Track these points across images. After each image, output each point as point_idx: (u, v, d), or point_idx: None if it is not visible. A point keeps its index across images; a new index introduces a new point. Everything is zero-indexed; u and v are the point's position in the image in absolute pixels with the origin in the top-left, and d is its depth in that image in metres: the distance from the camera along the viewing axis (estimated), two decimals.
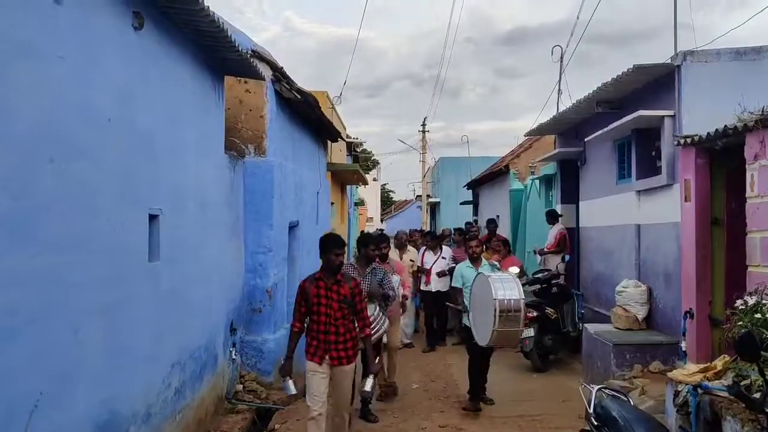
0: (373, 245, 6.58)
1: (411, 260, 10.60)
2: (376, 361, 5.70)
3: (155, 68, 4.91)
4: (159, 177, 4.99)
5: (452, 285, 7.50)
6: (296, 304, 5.17)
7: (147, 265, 4.76)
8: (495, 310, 6.21)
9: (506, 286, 6.37)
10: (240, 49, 6.08)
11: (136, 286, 4.55)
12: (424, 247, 11.09)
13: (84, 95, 3.81)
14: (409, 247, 11.07)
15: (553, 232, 11.26)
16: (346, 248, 5.31)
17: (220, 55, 6.17)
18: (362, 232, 8.13)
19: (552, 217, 11.47)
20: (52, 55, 3.49)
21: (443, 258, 10.75)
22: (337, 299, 5.04)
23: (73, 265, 3.68)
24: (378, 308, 6.33)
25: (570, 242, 11.11)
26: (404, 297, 7.76)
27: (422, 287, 10.82)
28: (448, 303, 10.68)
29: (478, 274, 6.78)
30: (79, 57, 3.75)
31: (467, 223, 14.81)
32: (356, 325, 5.21)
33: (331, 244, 5.11)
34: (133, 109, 4.50)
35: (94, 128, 3.93)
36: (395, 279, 7.09)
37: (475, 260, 7.15)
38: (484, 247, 10.23)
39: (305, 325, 5.19)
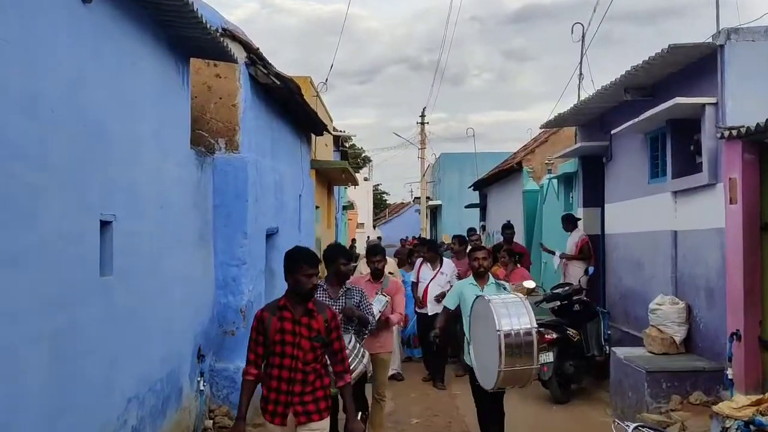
0: (344, 259, 6.13)
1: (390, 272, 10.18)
2: (359, 416, 4.90)
3: (109, 48, 4.82)
4: (112, 177, 4.90)
5: (444, 305, 6.80)
6: (251, 342, 4.48)
7: (98, 281, 4.66)
8: (500, 345, 5.55)
9: (513, 311, 5.71)
10: (208, 26, 6.00)
11: (85, 306, 4.45)
12: (420, 260, 10.62)
13: (22, 81, 3.71)
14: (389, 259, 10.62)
15: (574, 239, 11.23)
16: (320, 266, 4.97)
17: (185, 34, 6.09)
18: (332, 243, 7.66)
19: (570, 223, 11.42)
20: None
21: (442, 274, 10.14)
22: (308, 336, 4.39)
23: (11, 284, 3.57)
24: (354, 338, 5.83)
25: (594, 252, 11.07)
26: (384, 320, 6.79)
27: (417, 309, 10.39)
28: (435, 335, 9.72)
29: (478, 297, 6.07)
30: (18, 35, 3.65)
31: (470, 230, 14.64)
32: (331, 369, 4.60)
33: (300, 260, 4.46)
34: (82, 97, 4.40)
35: (35, 120, 3.83)
36: (380, 300, 6.66)
37: (481, 276, 6.49)
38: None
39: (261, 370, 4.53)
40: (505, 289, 6.46)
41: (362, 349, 5.86)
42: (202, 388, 7.15)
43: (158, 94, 5.98)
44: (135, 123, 5.38)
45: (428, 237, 25.63)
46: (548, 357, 8.60)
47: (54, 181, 4.04)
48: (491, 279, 6.60)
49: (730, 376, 6.34)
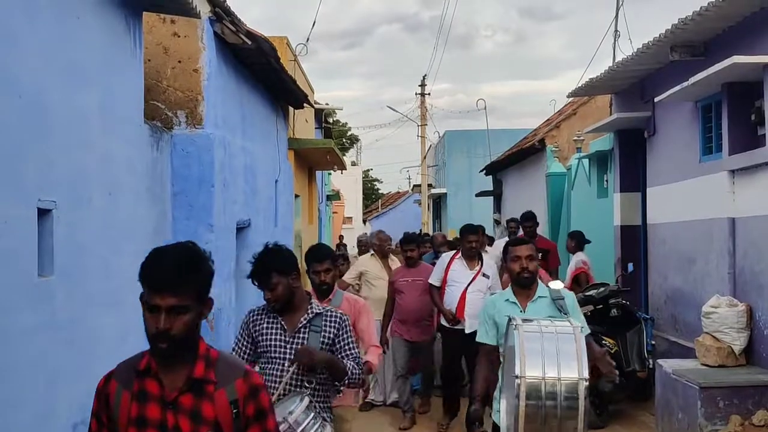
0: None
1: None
2: None
3: (44, 0, 4.81)
4: (51, 157, 4.89)
5: (478, 340, 5.41)
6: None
7: (36, 282, 4.65)
8: (518, 403, 4.45)
9: (553, 349, 4.50)
10: None
11: (20, 313, 4.44)
12: (450, 254, 9.07)
13: None
14: (393, 257, 10.58)
15: (571, 264, 11.11)
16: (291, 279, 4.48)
17: None
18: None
19: (576, 242, 11.24)
20: None
21: (484, 276, 8.71)
22: None
23: None
24: (308, 405, 4.35)
25: (634, 245, 11.11)
26: (367, 368, 5.62)
27: (444, 322, 8.89)
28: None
29: (509, 321, 4.79)
30: None
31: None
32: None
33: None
34: (13, 60, 4.39)
35: None
36: None
37: (523, 285, 5.23)
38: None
39: None
40: (562, 310, 5.06)
41: (323, 428, 4.40)
42: None
43: (105, 58, 5.95)
44: (78, 93, 5.37)
45: (431, 232, 25.59)
46: None
47: None
48: (543, 290, 5.26)
49: None
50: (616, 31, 13.73)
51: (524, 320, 4.69)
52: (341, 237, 34.39)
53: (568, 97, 13.79)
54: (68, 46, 5.22)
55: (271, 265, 4.50)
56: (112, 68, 6.12)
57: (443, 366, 9.39)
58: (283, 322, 4.57)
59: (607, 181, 13.50)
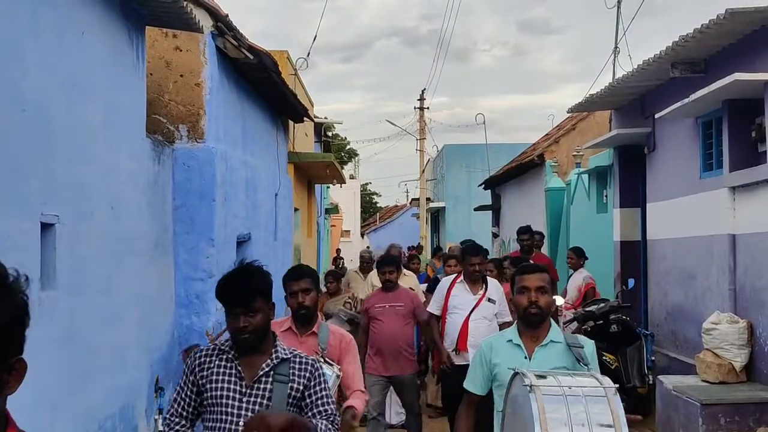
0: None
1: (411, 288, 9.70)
2: None
3: (49, 14, 4.83)
4: (54, 170, 4.90)
5: (465, 387, 4.39)
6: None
7: (39, 295, 4.64)
8: None
9: (582, 415, 3.48)
10: None
11: None
12: (451, 277, 8.15)
13: None
14: (406, 272, 10.37)
15: (576, 280, 11.03)
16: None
17: None
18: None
19: (577, 257, 11.21)
20: None
21: (490, 301, 7.76)
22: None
23: None
24: None
25: (634, 262, 11.11)
26: (351, 413, 4.88)
27: (444, 361, 7.85)
28: None
29: (515, 374, 3.77)
30: None
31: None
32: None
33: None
34: (17, 74, 4.40)
35: None
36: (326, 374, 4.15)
37: (531, 324, 4.17)
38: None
39: None
40: (582, 361, 3.97)
41: None
42: (161, 428, 7.13)
43: (108, 72, 5.98)
44: (81, 107, 5.38)
45: (431, 246, 25.61)
46: None
47: None
48: (557, 332, 4.23)
49: None
50: (615, 47, 13.76)
51: (538, 376, 3.62)
52: (338, 250, 34.37)
53: (569, 112, 13.82)
54: (71, 61, 5.23)
55: (256, 286, 3.56)
56: (114, 82, 6.13)
57: (443, 399, 8.53)
58: (240, 368, 3.55)
59: (606, 196, 13.51)
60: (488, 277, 8.06)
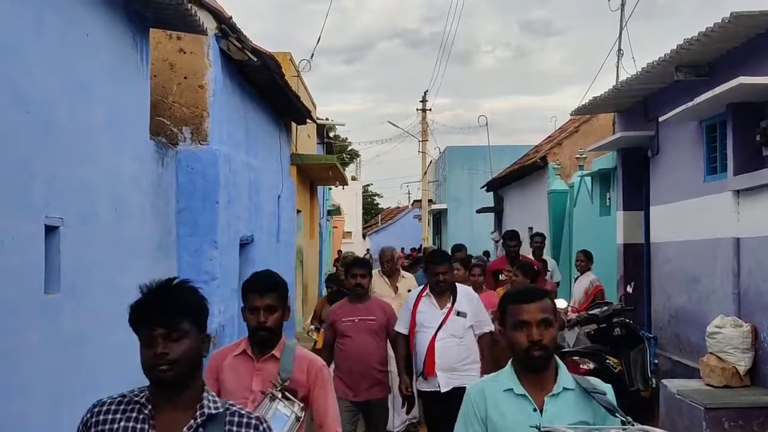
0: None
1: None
2: None
3: (53, 17, 4.82)
4: (58, 172, 4.89)
5: None
6: None
7: (42, 299, 4.64)
8: None
9: None
10: None
11: (26, 331, 4.42)
12: (418, 291, 7.01)
13: None
14: (405, 274, 9.73)
15: (583, 283, 11.01)
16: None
17: None
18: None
19: (587, 259, 11.18)
20: None
21: (459, 315, 6.69)
22: None
23: None
24: None
25: (636, 264, 11.10)
26: None
27: (420, 385, 6.84)
28: None
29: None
30: None
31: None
32: None
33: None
34: (21, 76, 4.40)
35: None
36: (280, 418, 3.79)
37: (540, 368, 3.23)
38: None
39: None
40: (612, 412, 3.16)
41: None
42: None
43: (112, 74, 5.97)
44: (85, 108, 5.38)
45: (435, 248, 25.59)
46: None
47: None
48: (567, 378, 3.27)
49: None
50: (619, 50, 13.74)
51: None
52: (340, 252, 34.39)
53: (572, 115, 13.82)
54: (76, 62, 5.23)
55: (184, 304, 2.72)
56: (119, 84, 6.13)
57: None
58: (154, 426, 2.64)
59: (609, 199, 13.49)
60: (458, 285, 7.00)
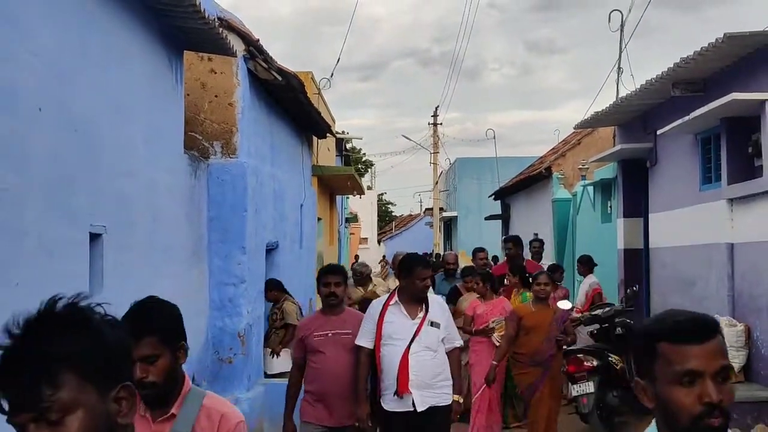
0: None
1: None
2: None
3: (96, 39, 4.90)
4: (101, 184, 4.97)
5: None
6: None
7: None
8: None
9: None
10: (207, 15, 6.08)
11: None
12: (383, 300, 5.72)
13: (4, 76, 3.78)
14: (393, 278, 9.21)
15: (584, 287, 11.08)
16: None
17: (180, 24, 6.17)
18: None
19: (585, 266, 11.22)
20: None
21: (433, 326, 5.53)
22: None
23: None
24: None
25: (637, 269, 11.09)
26: None
27: (386, 404, 5.46)
28: None
29: None
30: None
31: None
32: None
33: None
34: (68, 94, 4.47)
35: (18, 119, 3.90)
36: None
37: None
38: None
39: None
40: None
41: None
42: None
43: (150, 93, 6.06)
44: (125, 124, 5.45)
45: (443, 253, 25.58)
46: (588, 387, 8.60)
47: (38, 187, 4.10)
48: None
49: None
50: (619, 67, 13.77)
51: None
52: (356, 257, 34.41)
53: (575, 128, 13.83)
54: (117, 84, 5.31)
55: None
56: (156, 103, 6.21)
57: None
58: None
59: (610, 207, 13.49)
60: (430, 294, 5.88)
